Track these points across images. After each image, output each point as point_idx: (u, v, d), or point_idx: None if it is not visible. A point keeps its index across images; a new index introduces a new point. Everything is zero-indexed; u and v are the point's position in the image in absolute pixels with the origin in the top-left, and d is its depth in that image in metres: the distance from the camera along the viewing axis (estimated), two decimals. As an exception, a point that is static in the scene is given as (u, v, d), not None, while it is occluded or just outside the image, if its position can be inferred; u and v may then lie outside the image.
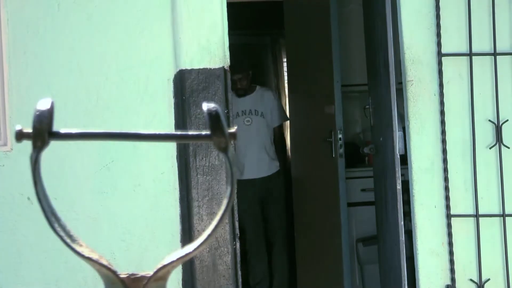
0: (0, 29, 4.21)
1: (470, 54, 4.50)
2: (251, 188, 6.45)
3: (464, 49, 4.53)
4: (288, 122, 6.95)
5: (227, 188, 1.11)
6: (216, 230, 1.12)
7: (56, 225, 1.19)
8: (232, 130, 1.08)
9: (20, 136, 1.12)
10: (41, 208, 1.17)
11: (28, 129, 1.13)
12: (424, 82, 4.51)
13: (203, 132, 1.07)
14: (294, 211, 6.60)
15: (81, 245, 1.21)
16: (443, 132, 4.47)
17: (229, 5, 4.41)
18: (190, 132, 1.08)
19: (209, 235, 1.11)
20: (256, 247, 6.68)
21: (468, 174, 4.51)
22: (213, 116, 1.06)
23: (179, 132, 1.10)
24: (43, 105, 1.13)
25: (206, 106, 1.07)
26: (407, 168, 4.53)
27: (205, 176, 4.27)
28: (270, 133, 6.64)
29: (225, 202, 1.10)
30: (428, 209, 4.49)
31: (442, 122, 4.48)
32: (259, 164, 6.54)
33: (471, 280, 4.51)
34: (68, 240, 1.20)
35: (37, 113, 1.12)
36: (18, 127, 1.13)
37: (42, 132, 1.12)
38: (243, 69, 6.63)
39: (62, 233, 1.19)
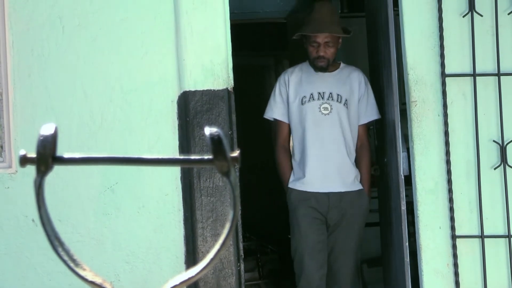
0: (5, 51, 4.23)
1: (474, 75, 4.51)
2: (318, 206, 4.61)
3: (468, 69, 4.53)
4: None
5: (230, 211, 1.12)
6: (219, 253, 1.12)
7: (59, 249, 1.19)
8: (234, 154, 1.09)
9: (24, 161, 1.13)
10: (44, 232, 1.18)
11: (32, 154, 1.13)
12: (428, 102, 4.51)
13: (206, 157, 1.08)
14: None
15: (84, 269, 1.21)
16: (448, 153, 4.47)
17: (233, 26, 4.43)
18: (193, 157, 1.09)
19: (212, 259, 1.11)
20: None
21: (473, 195, 4.50)
22: (215, 141, 1.06)
23: (181, 157, 1.10)
24: (47, 130, 1.13)
25: (208, 130, 1.08)
26: (412, 189, 4.52)
27: (209, 198, 4.27)
28: (354, 132, 4.71)
29: (227, 225, 1.10)
30: (433, 230, 4.48)
31: (446, 143, 4.47)
32: (336, 172, 4.61)
33: (476, 301, 4.50)
34: (72, 264, 1.20)
35: (41, 138, 1.12)
36: (22, 152, 1.13)
37: (46, 157, 1.12)
38: (333, 28, 4.66)
39: (65, 257, 1.20)
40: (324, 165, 4.58)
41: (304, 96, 4.66)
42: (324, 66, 4.65)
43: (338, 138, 4.61)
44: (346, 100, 4.63)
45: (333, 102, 4.61)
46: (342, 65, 4.79)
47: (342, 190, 4.61)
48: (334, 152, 4.60)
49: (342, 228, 4.62)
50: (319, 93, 4.63)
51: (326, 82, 4.67)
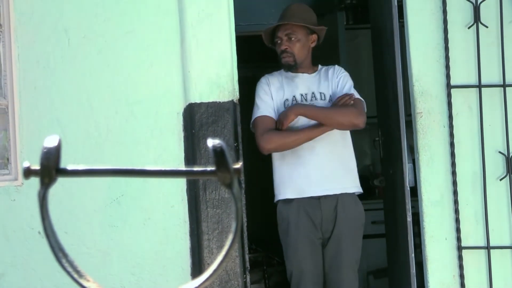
0: (11, 64, 4.24)
1: (479, 86, 4.51)
2: (311, 213, 4.26)
3: (473, 81, 4.54)
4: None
5: (233, 223, 1.12)
6: (222, 265, 1.12)
7: (63, 261, 1.20)
8: (237, 166, 1.09)
9: (27, 173, 1.14)
10: (48, 244, 1.18)
11: (36, 166, 1.14)
12: (433, 114, 4.51)
13: (208, 168, 1.08)
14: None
15: (88, 280, 1.22)
16: (453, 164, 4.47)
17: (238, 38, 4.43)
18: (195, 168, 1.09)
19: (215, 271, 1.11)
20: None
21: (479, 206, 4.50)
22: (218, 152, 1.07)
23: (184, 169, 1.11)
24: (50, 142, 1.14)
25: (211, 142, 1.08)
26: (417, 200, 4.52)
27: (215, 209, 4.27)
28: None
29: (230, 237, 1.11)
30: (439, 241, 4.47)
31: (452, 154, 4.47)
32: (327, 175, 4.26)
33: (483, 312, 4.49)
34: (76, 276, 1.20)
35: (44, 150, 1.13)
36: (25, 164, 1.14)
37: (50, 169, 1.13)
38: (290, 19, 4.38)
39: (69, 269, 1.20)
40: (317, 166, 4.23)
41: (287, 99, 4.34)
42: (290, 63, 4.33)
43: (326, 139, 4.25)
44: (330, 96, 4.32)
45: (317, 101, 4.30)
46: (320, 66, 4.46)
47: (330, 193, 4.24)
48: (323, 154, 4.25)
49: (336, 238, 4.23)
50: (301, 94, 4.32)
51: (306, 83, 4.36)
